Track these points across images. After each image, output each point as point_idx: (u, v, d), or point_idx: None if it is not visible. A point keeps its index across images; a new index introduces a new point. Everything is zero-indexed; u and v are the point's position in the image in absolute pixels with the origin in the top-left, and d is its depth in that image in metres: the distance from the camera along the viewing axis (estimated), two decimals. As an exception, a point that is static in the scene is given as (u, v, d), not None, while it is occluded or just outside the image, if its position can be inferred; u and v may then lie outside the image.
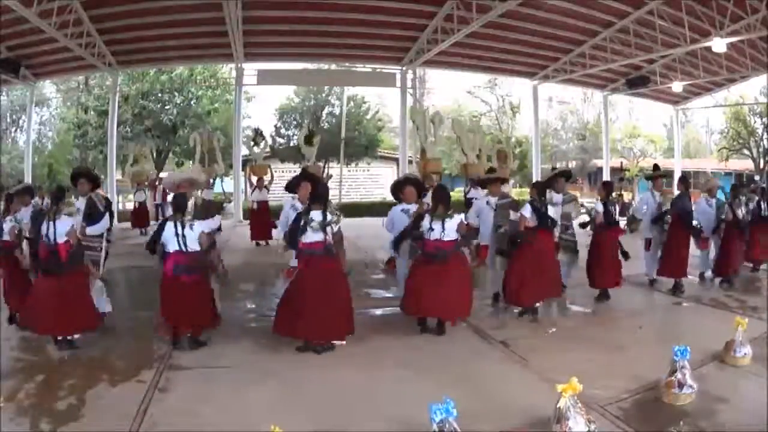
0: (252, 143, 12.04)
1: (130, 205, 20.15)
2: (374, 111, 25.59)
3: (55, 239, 4.80)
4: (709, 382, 4.09)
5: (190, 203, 5.30)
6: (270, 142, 19.61)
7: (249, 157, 23.84)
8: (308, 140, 11.42)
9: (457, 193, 15.26)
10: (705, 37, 12.61)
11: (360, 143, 23.37)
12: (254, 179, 11.85)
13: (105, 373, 4.38)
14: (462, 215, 5.57)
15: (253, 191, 11.75)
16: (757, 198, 8.05)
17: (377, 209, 17.87)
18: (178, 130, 22.42)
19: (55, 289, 4.76)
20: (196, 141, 11.36)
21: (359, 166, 24.89)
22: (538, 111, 20.15)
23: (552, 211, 5.93)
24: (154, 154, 18.66)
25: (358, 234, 10.89)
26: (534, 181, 8.13)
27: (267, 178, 11.91)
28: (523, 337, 5.41)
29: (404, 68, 16.97)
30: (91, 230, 5.52)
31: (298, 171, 6.82)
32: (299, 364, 4.63)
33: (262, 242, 11.40)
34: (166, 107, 22.54)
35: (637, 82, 17.16)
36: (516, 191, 27.18)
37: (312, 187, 5.25)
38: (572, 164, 33.20)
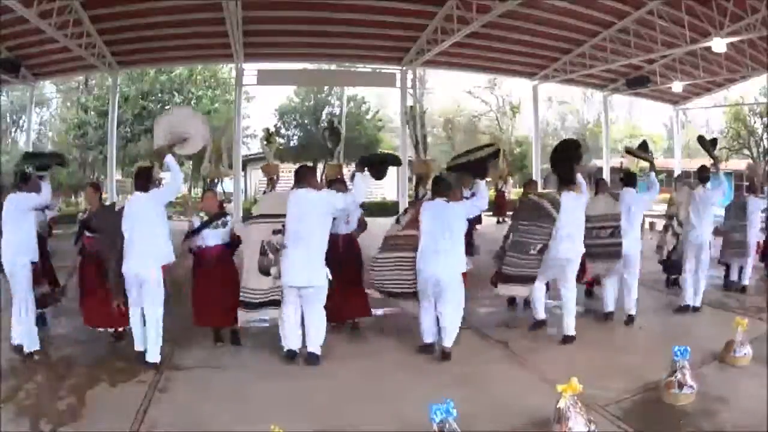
0: (265, 143, 11.81)
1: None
2: (374, 111, 25.60)
3: None
4: (709, 382, 4.09)
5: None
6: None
7: (249, 157, 24.04)
8: (333, 136, 11.17)
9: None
10: (705, 37, 12.60)
11: (360, 143, 23.37)
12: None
13: (105, 373, 4.38)
14: None
15: (271, 190, 11.32)
16: None
17: (377, 209, 17.86)
18: (178, 130, 22.40)
19: None
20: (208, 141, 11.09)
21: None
22: (538, 111, 20.14)
23: None
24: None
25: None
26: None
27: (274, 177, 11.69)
28: (523, 337, 5.41)
29: (404, 68, 16.95)
30: None
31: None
32: (299, 364, 4.63)
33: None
34: (166, 107, 22.52)
35: (637, 82, 17.14)
36: (516, 191, 27.20)
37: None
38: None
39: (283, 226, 4.54)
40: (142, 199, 4.59)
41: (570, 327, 5.20)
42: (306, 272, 4.51)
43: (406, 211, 5.07)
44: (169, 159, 4.67)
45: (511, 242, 5.31)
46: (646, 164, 6.64)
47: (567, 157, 5.44)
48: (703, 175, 6.36)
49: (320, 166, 22.57)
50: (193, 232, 5.12)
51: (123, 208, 4.58)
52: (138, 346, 4.61)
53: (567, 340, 5.19)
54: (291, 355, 4.63)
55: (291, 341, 4.64)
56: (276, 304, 4.69)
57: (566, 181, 5.29)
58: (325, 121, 19.35)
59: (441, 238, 4.69)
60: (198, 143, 5.36)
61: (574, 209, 5.19)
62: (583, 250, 5.29)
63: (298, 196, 4.58)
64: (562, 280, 5.31)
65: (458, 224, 4.79)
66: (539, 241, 5.11)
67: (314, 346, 4.59)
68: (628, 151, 7.15)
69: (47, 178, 4.94)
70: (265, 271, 4.62)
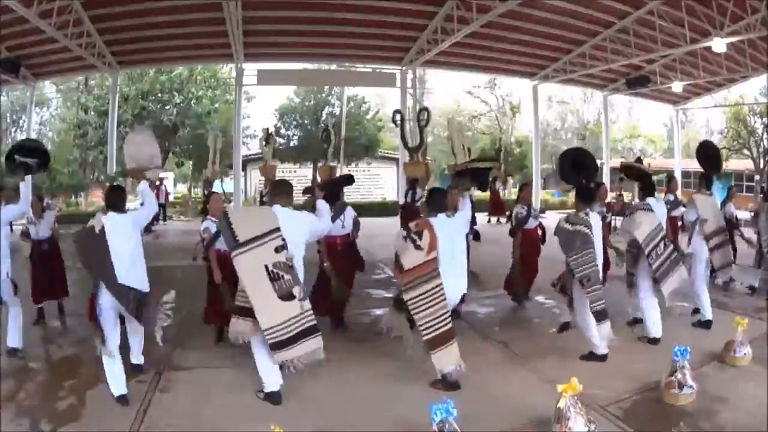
0: (264, 143, 11.83)
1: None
2: (374, 111, 25.60)
3: None
4: (709, 382, 4.09)
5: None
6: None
7: (249, 157, 24.03)
8: (327, 139, 11.19)
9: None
10: (705, 37, 12.62)
11: (360, 143, 23.37)
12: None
13: (105, 373, 4.37)
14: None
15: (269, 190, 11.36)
16: None
17: (377, 209, 17.86)
18: (178, 130, 22.43)
19: None
20: (213, 141, 11.12)
21: (359, 166, 24.89)
22: (538, 111, 20.16)
23: None
24: None
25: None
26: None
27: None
28: (523, 337, 5.41)
29: (404, 68, 16.97)
30: None
31: (297, 171, 6.61)
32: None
33: None
34: (166, 107, 22.54)
35: (637, 82, 17.16)
36: (516, 191, 27.22)
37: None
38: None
39: (283, 240, 3.91)
40: (120, 221, 4.17)
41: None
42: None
43: (416, 232, 4.21)
44: (143, 186, 4.46)
45: (582, 277, 4.68)
46: (646, 165, 6.58)
47: (587, 175, 5.18)
48: (707, 182, 6.29)
49: (319, 166, 22.65)
50: (214, 238, 5.04)
51: (102, 228, 4.04)
52: (121, 389, 3.94)
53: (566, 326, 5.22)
54: (277, 398, 4.00)
55: (278, 378, 4.07)
56: (313, 331, 3.89)
57: (588, 200, 4.99)
58: (324, 122, 19.42)
59: (455, 254, 4.33)
60: (158, 164, 5.12)
61: (600, 229, 5.00)
62: None
63: (281, 214, 4.09)
64: None
65: (463, 238, 4.60)
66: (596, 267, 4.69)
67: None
68: (623, 168, 6.69)
69: (28, 181, 4.68)
70: (287, 296, 3.86)
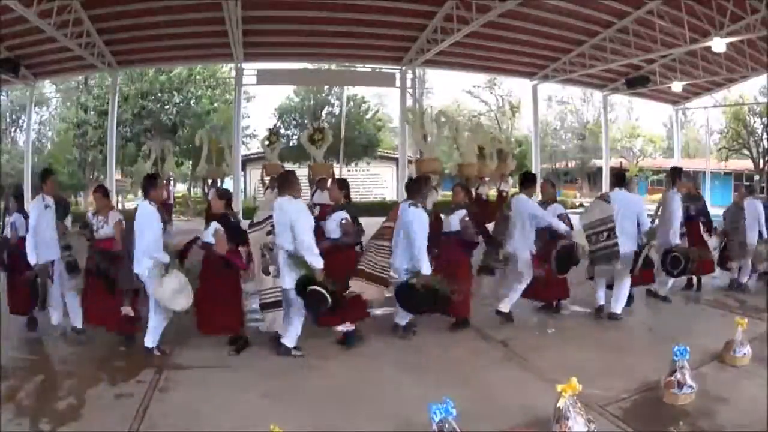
0: (267, 143, 11.75)
1: (129, 205, 20.21)
2: (374, 111, 25.61)
3: None
4: (709, 382, 4.09)
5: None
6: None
7: (249, 156, 24.02)
8: (312, 139, 11.13)
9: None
10: (705, 37, 12.62)
11: (360, 143, 23.38)
12: (266, 179, 10.63)
13: (105, 373, 4.38)
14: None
15: (265, 191, 10.92)
16: None
17: (377, 209, 17.83)
18: (177, 130, 22.43)
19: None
20: (203, 139, 11.07)
21: (359, 166, 24.88)
22: (538, 111, 20.17)
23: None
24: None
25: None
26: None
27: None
28: (523, 337, 5.41)
29: (404, 68, 16.96)
30: None
31: (296, 171, 6.48)
32: (299, 364, 4.63)
33: None
34: (166, 107, 22.55)
35: (636, 82, 17.16)
36: (515, 191, 27.21)
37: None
38: (572, 164, 33.31)
39: (272, 227, 4.73)
40: (147, 210, 4.71)
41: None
42: (286, 275, 4.70)
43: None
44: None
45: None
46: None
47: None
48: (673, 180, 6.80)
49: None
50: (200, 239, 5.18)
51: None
52: (151, 343, 4.82)
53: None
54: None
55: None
56: (278, 305, 4.75)
57: (526, 186, 6.13)
58: (324, 122, 19.38)
59: (406, 237, 5.13)
60: None
61: (528, 209, 5.83)
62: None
63: (278, 205, 4.76)
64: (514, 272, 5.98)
65: (413, 228, 5.05)
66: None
67: (288, 341, 4.83)
68: None
69: None
70: (264, 270, 4.80)
